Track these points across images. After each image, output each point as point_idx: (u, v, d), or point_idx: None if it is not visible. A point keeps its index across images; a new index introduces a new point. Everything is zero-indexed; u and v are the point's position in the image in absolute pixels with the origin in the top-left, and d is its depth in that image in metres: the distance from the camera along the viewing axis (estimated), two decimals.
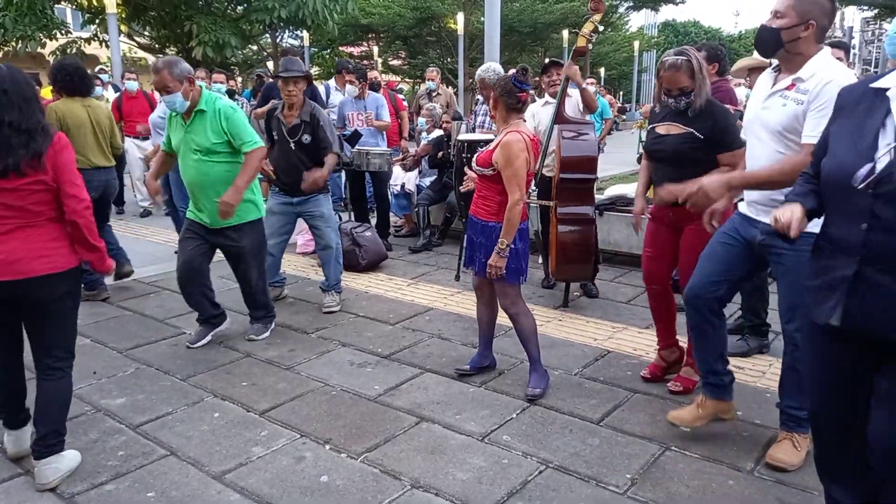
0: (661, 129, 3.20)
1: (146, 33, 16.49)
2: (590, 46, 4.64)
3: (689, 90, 3.02)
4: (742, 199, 2.77)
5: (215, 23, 13.51)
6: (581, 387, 3.41)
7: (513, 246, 3.17)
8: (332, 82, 7.93)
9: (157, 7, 14.39)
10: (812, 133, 2.32)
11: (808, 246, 2.33)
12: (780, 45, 2.44)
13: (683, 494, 2.49)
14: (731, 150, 3.02)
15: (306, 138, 4.42)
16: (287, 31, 20.49)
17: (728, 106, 3.59)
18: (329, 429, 3.00)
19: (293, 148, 4.44)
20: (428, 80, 8.05)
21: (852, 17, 25.97)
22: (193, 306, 4.04)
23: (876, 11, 22.88)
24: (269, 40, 21.10)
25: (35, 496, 2.52)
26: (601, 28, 4.66)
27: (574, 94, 4.74)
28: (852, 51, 24.12)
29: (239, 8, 15.50)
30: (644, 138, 3.44)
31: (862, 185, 1.67)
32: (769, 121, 2.52)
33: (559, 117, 4.57)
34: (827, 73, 2.37)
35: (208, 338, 4.01)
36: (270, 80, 8.39)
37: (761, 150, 2.56)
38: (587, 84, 5.26)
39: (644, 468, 2.66)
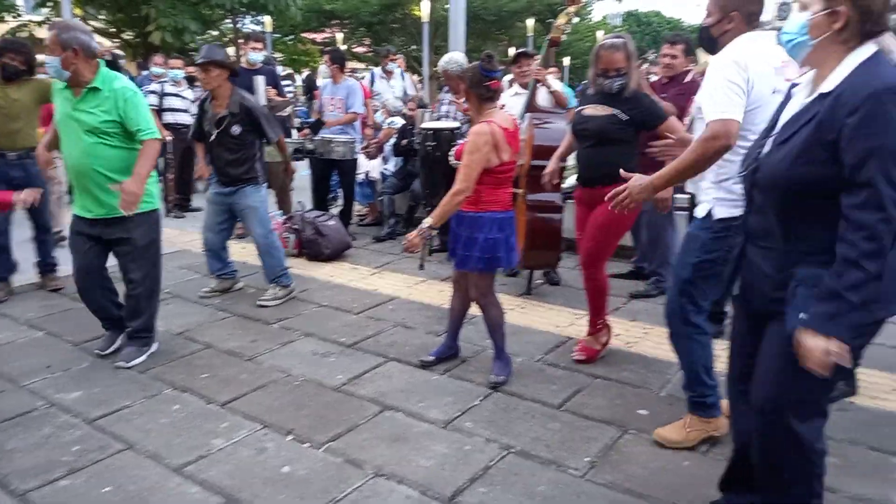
0: (588, 110, 3.40)
1: (101, 17, 16.01)
2: (563, 38, 4.70)
3: (623, 71, 3.22)
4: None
5: (174, 7, 13.18)
6: (543, 373, 3.45)
7: (488, 236, 3.17)
8: (378, 70, 7.87)
9: None
10: (708, 110, 2.32)
11: (692, 225, 2.61)
12: (714, 41, 2.52)
13: (641, 476, 2.55)
14: (656, 126, 3.26)
15: (235, 129, 4.38)
16: (249, 16, 20.09)
17: None
18: (291, 419, 2.98)
19: (215, 138, 4.43)
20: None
21: None
22: (95, 311, 3.69)
23: None
24: (231, 25, 20.68)
25: None
26: (575, 20, 4.74)
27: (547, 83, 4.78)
28: None
29: None
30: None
31: (744, 172, 1.88)
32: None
33: (531, 106, 4.61)
34: (722, 54, 2.40)
35: (118, 342, 3.69)
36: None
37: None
38: (549, 73, 5.30)
39: (603, 451, 2.71)
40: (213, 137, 4.42)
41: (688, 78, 4.42)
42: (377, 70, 7.84)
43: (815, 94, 1.73)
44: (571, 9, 4.58)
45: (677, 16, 45.77)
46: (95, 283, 3.60)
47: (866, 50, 1.68)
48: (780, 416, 1.84)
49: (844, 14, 1.65)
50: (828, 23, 1.68)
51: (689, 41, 4.62)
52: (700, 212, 2.59)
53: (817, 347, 1.63)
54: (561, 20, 4.57)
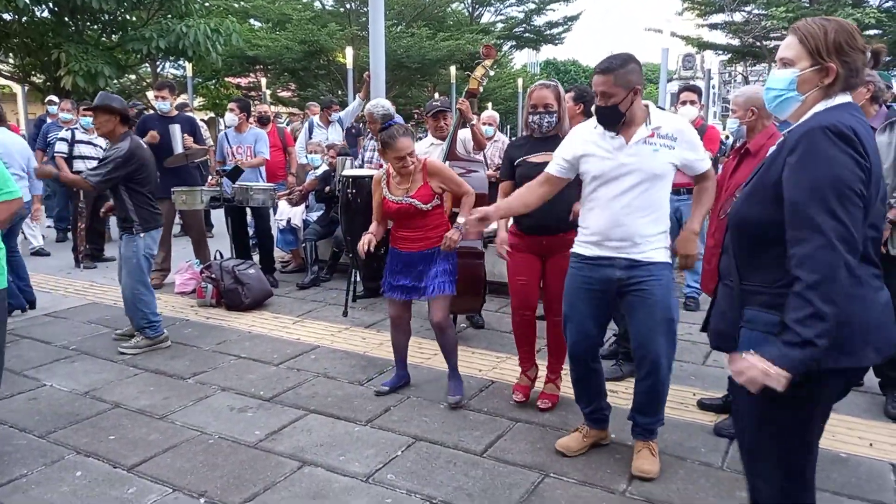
0: (537, 158, 3.38)
1: (10, 61, 15.36)
2: (480, 89, 4.85)
3: (552, 109, 3.35)
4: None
5: (87, 52, 12.74)
6: (466, 419, 3.45)
7: (454, 260, 3.60)
8: (316, 119, 7.77)
9: (20, 34, 13.45)
10: (702, 160, 2.79)
11: (668, 271, 2.61)
12: (622, 117, 2.68)
13: None
14: None
15: None
16: (168, 60, 19.74)
17: None
18: (204, 480, 2.85)
19: None
20: (311, 115, 8.15)
21: (711, 60, 28.48)
22: None
23: (730, 55, 25.25)
24: (150, 70, 20.24)
25: None
26: (492, 73, 4.89)
27: (461, 135, 4.89)
28: (712, 90, 26.41)
29: (114, 37, 14.76)
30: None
31: (723, 217, 1.96)
32: (643, 166, 2.69)
33: (451, 154, 4.70)
34: (673, 118, 2.78)
35: None
36: (148, 112, 7.99)
37: (628, 192, 2.72)
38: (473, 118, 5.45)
39: (525, 497, 2.72)
40: None
41: None
42: (315, 118, 7.83)
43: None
44: (487, 62, 4.77)
45: (593, 64, 48.06)
46: None
47: (838, 99, 1.72)
48: (753, 463, 1.87)
49: (834, 70, 1.69)
50: (817, 78, 1.72)
51: (580, 89, 4.77)
52: (666, 256, 2.79)
53: (756, 366, 1.61)
54: (478, 72, 4.73)
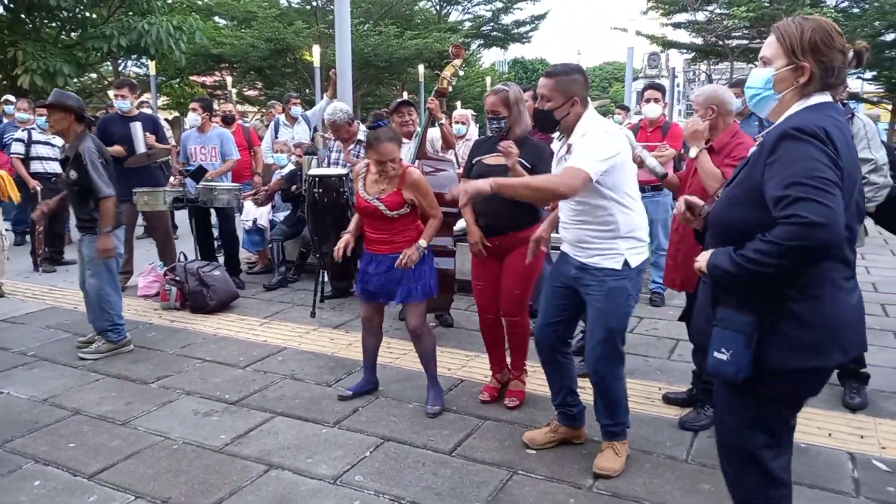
0: (491, 160, 3.46)
1: None
2: (450, 88, 4.84)
3: (501, 116, 3.40)
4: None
5: (44, 50, 12.44)
6: (435, 418, 3.44)
7: (430, 265, 3.49)
8: (281, 117, 7.55)
9: None
10: (575, 160, 2.56)
11: (613, 279, 2.62)
12: (556, 122, 2.73)
13: None
14: (547, 171, 3.30)
15: (73, 174, 4.23)
16: (130, 59, 19.33)
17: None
18: (168, 487, 2.80)
19: (64, 182, 4.34)
20: (276, 114, 8.02)
21: (675, 59, 28.88)
22: None
23: (694, 54, 25.63)
24: (111, 68, 19.80)
25: None
26: (461, 73, 4.87)
27: (430, 134, 4.88)
28: (677, 88, 26.73)
29: (73, 34, 14.42)
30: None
31: (703, 215, 1.98)
32: None
33: (421, 153, 4.69)
34: (593, 125, 2.69)
35: None
36: (109, 112, 7.77)
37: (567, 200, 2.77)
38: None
39: (493, 494, 2.73)
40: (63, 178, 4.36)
41: None
42: (281, 117, 7.64)
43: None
44: (457, 61, 4.76)
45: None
46: None
47: (815, 99, 1.74)
48: (724, 455, 1.94)
49: (808, 69, 1.72)
50: (793, 77, 1.74)
51: (536, 88, 4.80)
52: (616, 264, 2.72)
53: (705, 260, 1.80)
54: (447, 72, 4.72)
